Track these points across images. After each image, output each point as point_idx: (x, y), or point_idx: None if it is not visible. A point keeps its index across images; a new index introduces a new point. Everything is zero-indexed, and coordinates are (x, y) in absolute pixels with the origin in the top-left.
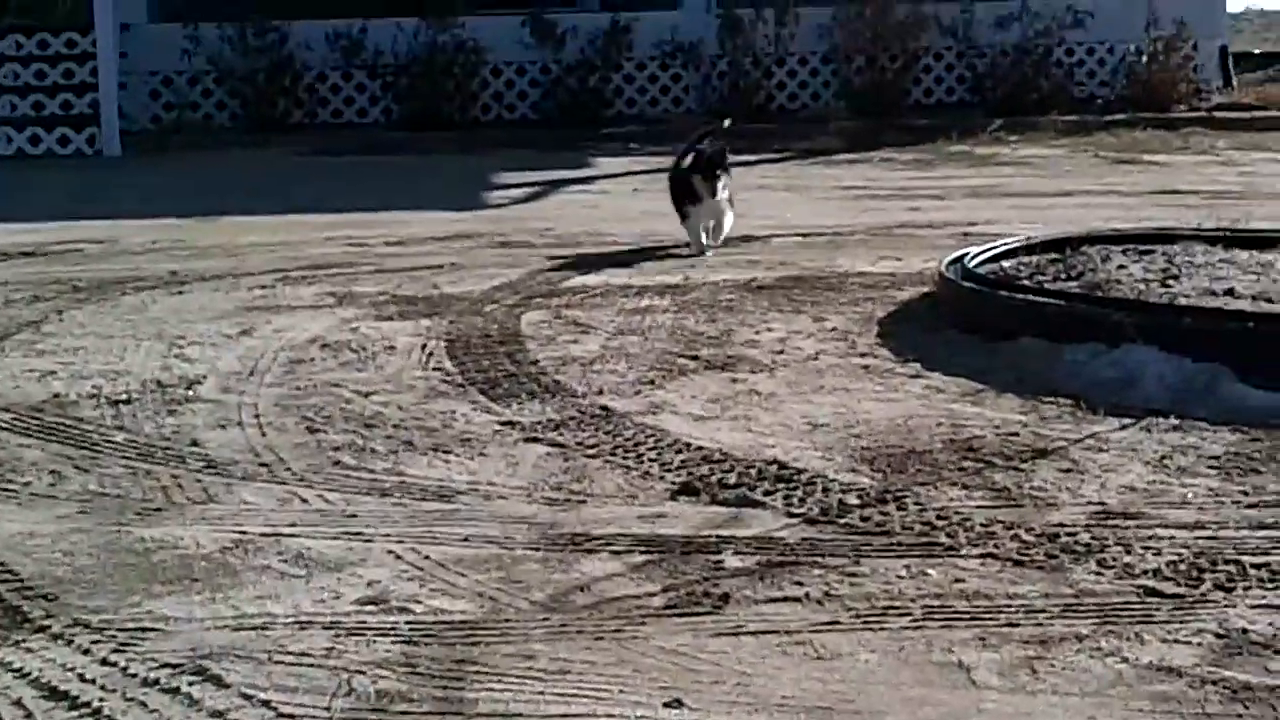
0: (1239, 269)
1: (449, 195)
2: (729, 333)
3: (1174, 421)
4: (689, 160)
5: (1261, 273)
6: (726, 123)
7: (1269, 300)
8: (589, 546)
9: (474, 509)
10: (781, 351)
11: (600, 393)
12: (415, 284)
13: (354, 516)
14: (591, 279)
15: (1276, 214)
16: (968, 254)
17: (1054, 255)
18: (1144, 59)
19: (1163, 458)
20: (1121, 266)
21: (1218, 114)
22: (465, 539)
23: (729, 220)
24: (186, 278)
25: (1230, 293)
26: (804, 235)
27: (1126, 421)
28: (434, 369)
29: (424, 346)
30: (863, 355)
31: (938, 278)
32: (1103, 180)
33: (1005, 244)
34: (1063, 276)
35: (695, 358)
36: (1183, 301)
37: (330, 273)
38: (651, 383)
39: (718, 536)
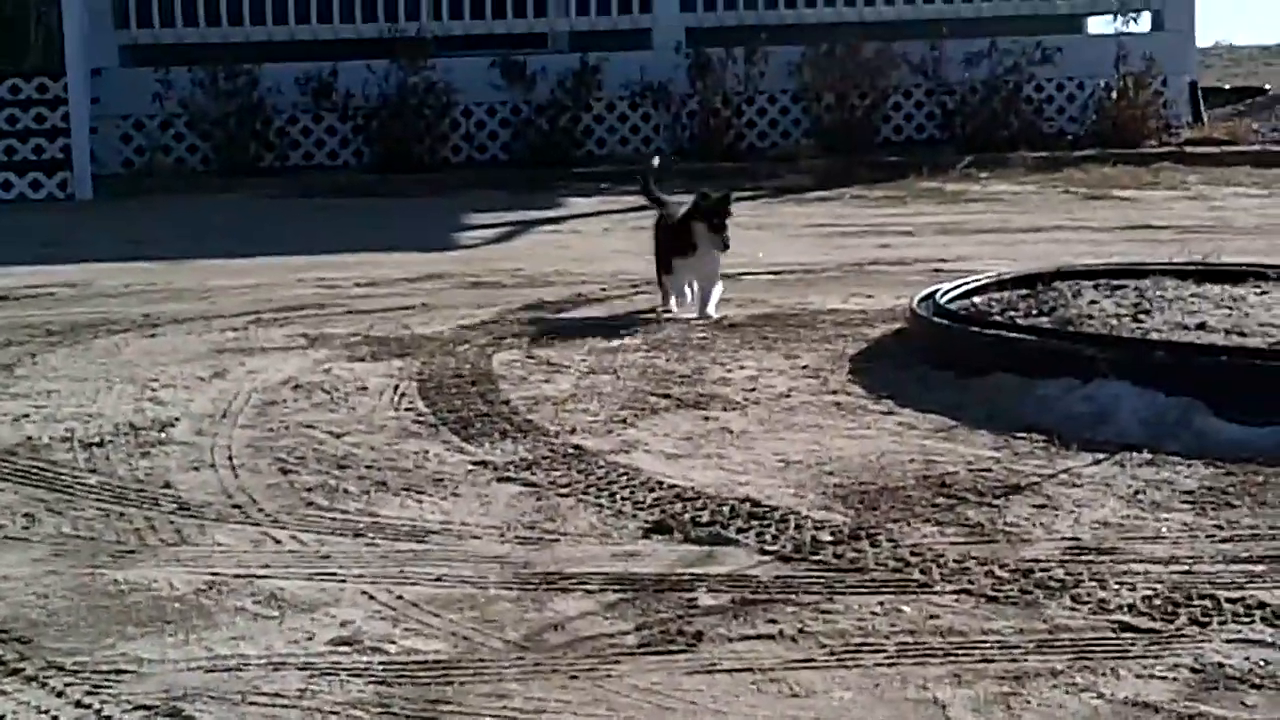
0: (1211, 303)
1: (420, 236)
2: (701, 371)
3: (1147, 456)
4: (686, 206)
5: (1233, 307)
6: (655, 161)
7: (1241, 334)
8: (562, 585)
9: (447, 549)
10: (753, 389)
11: (572, 432)
12: (387, 325)
13: (327, 557)
14: (563, 318)
15: (1247, 248)
16: (939, 290)
17: (1025, 291)
18: (1113, 95)
19: (1136, 492)
20: (1093, 302)
21: (1188, 149)
22: (438, 579)
23: (719, 287)
24: (159, 320)
25: (1202, 327)
26: (775, 273)
27: (1100, 456)
28: (406, 409)
29: (396, 387)
30: (835, 392)
31: (909, 314)
32: (1073, 216)
33: (977, 280)
34: (1034, 312)
35: (667, 396)
36: (1155, 336)
37: (302, 314)
38: (624, 421)
39: (691, 574)
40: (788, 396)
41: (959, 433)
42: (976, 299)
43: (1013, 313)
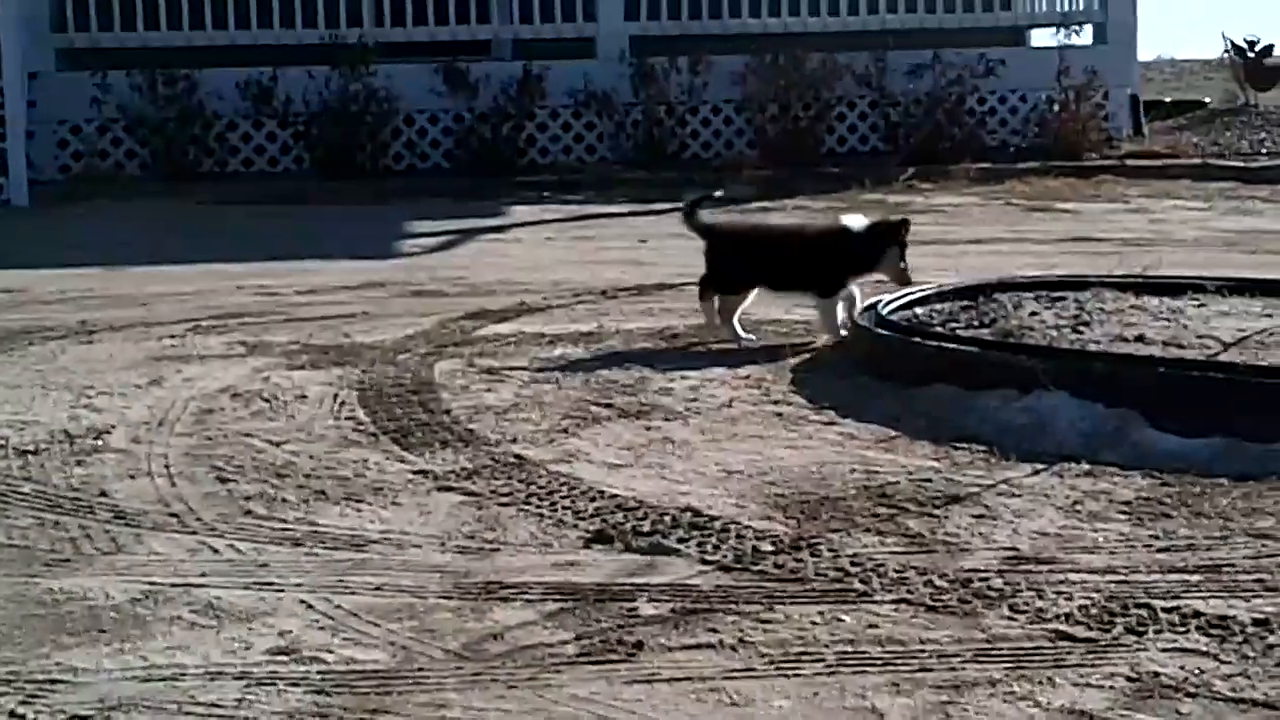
0: (1149, 315)
1: (361, 244)
2: (643, 380)
3: (1085, 467)
4: (865, 223)
5: (1171, 319)
6: (718, 193)
7: (1179, 346)
8: (502, 595)
9: (386, 558)
10: (695, 399)
11: (514, 441)
12: (327, 333)
13: (265, 566)
14: (505, 327)
15: (1186, 261)
16: (881, 301)
17: (966, 302)
18: (1055, 107)
19: (1074, 503)
20: (1033, 313)
21: (1129, 162)
22: (378, 588)
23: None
24: (96, 327)
25: (1140, 339)
26: None
27: (1038, 467)
28: (346, 418)
29: (336, 395)
30: (776, 402)
31: (851, 325)
32: (1015, 228)
33: (918, 291)
34: (975, 323)
35: (609, 405)
36: (1094, 348)
37: (241, 322)
38: (565, 431)
39: (631, 584)
40: (729, 406)
41: (899, 443)
42: (918, 310)
43: (954, 324)
